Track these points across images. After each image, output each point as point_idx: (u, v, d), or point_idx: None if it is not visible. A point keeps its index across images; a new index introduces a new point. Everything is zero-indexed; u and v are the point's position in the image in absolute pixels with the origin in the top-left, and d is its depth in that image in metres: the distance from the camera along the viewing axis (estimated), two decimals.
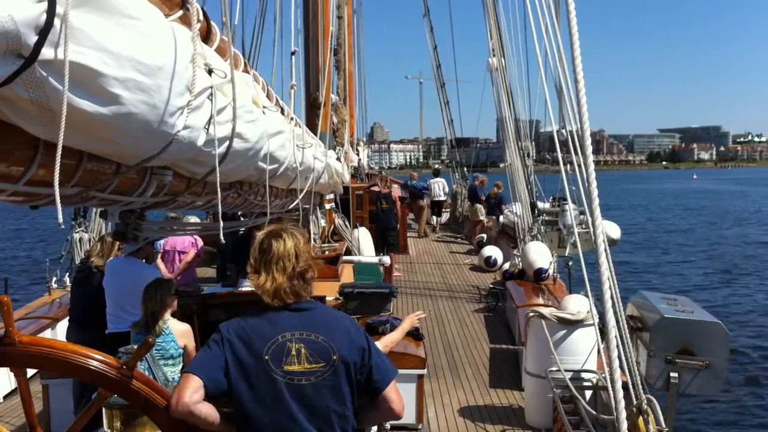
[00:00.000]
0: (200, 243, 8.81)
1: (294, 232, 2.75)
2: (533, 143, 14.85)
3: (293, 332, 2.62)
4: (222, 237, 3.09)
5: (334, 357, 2.62)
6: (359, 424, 2.79)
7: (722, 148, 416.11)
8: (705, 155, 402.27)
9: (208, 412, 2.53)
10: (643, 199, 71.61)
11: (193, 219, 8.41)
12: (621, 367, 3.87)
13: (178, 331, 4.81)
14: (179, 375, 4.80)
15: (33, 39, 1.34)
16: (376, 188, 17.68)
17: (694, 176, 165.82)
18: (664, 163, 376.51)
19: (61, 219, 1.75)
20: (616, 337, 3.71)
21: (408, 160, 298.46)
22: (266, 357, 2.57)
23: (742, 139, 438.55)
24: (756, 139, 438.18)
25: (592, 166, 3.60)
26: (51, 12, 1.36)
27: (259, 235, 2.73)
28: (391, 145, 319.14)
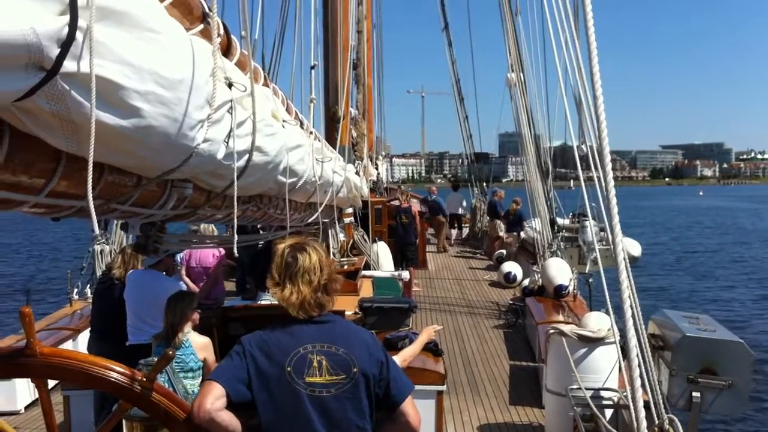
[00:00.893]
0: (222, 252, 8.84)
1: (316, 245, 2.78)
2: (550, 158, 14.75)
3: (314, 344, 2.63)
4: (236, 250, 3.10)
5: (355, 369, 2.63)
6: None
7: (725, 165, 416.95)
8: (708, 172, 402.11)
9: (230, 420, 2.53)
10: (656, 215, 70.84)
11: (210, 229, 8.44)
12: (642, 385, 3.82)
13: (197, 344, 4.82)
14: (198, 388, 4.81)
15: (55, 52, 1.35)
16: (396, 202, 17.67)
17: (701, 193, 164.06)
18: (667, 179, 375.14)
19: (97, 230, 1.77)
20: (637, 355, 3.67)
21: (410, 175, 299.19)
22: (288, 368, 2.58)
23: (745, 156, 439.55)
24: (759, 156, 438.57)
25: (612, 182, 3.57)
26: (73, 25, 1.37)
27: (281, 248, 2.74)
28: (393, 159, 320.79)
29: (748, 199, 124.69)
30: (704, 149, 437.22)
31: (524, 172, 14.26)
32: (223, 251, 8.63)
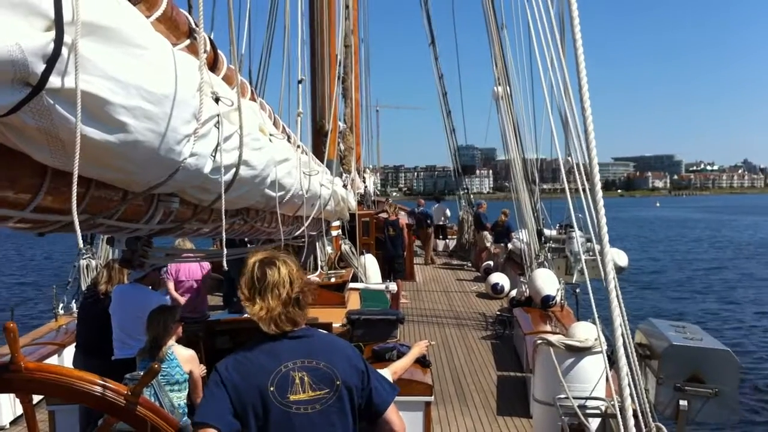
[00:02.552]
0: (207, 266, 8.79)
1: (285, 259, 2.71)
2: (537, 170, 14.81)
3: (294, 361, 2.59)
4: (225, 264, 3.09)
5: (337, 382, 2.61)
6: None
7: (675, 177, 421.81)
8: (659, 183, 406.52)
9: None
10: (628, 228, 71.20)
11: (189, 245, 8.43)
12: (630, 394, 3.84)
13: (182, 357, 4.82)
14: (185, 401, 4.80)
15: (41, 67, 1.36)
16: (384, 215, 17.67)
17: (657, 204, 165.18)
18: (619, 191, 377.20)
19: (82, 244, 1.76)
20: (626, 364, 3.69)
21: None
22: (271, 389, 2.53)
23: (694, 168, 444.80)
24: (708, 167, 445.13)
25: (600, 194, 3.59)
26: (59, 41, 1.37)
27: (250, 263, 2.68)
28: None
29: (705, 209, 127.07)
30: (655, 161, 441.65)
31: (511, 184, 14.29)
32: (208, 265, 8.60)
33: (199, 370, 5.01)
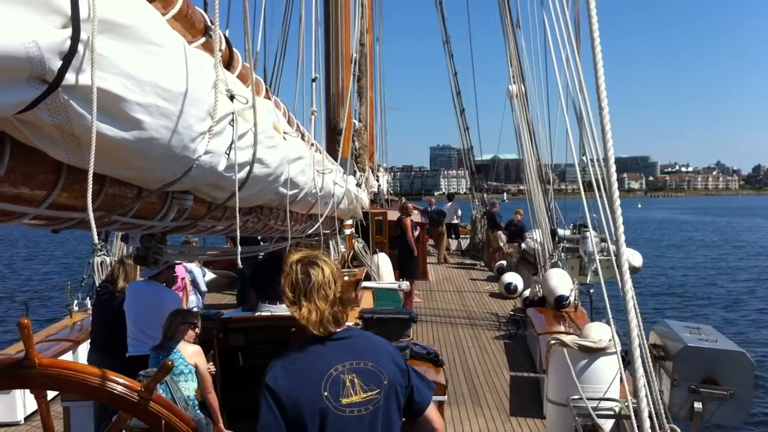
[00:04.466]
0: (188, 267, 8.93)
1: (326, 258, 2.68)
2: (551, 170, 14.75)
3: (343, 363, 2.55)
4: (240, 262, 3.08)
5: (385, 382, 2.58)
6: None
7: (651, 178, 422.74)
8: (635, 185, 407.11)
9: None
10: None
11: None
12: (645, 396, 3.81)
13: (187, 352, 4.92)
14: (194, 392, 4.86)
15: (57, 64, 1.36)
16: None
17: (639, 206, 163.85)
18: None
19: (96, 238, 1.76)
20: (641, 366, 3.66)
21: None
22: (325, 393, 2.49)
23: (670, 169, 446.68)
24: (683, 169, 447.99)
25: (617, 193, 3.57)
26: (75, 38, 1.37)
27: (290, 264, 2.62)
28: None
29: (692, 211, 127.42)
30: (630, 162, 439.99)
31: (525, 182, 14.25)
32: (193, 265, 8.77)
33: (205, 364, 5.07)
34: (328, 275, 2.59)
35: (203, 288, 9.40)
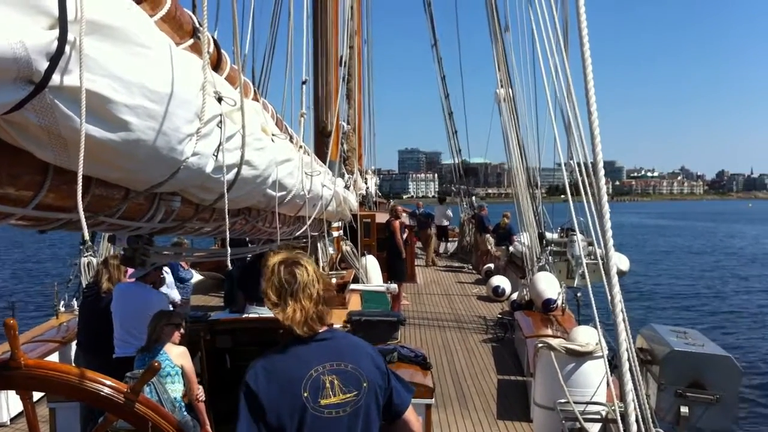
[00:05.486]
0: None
1: (306, 257, 2.71)
2: (539, 174, 14.79)
3: (323, 364, 2.56)
4: (229, 263, 3.08)
5: (364, 384, 2.59)
6: None
7: (617, 183, 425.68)
8: None
9: None
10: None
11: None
12: (632, 400, 3.83)
13: (173, 354, 4.89)
14: (180, 394, 4.84)
15: (44, 65, 1.35)
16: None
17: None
18: (562, 196, 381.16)
19: (87, 235, 1.76)
20: (628, 370, 3.68)
21: None
22: (305, 394, 2.50)
23: (635, 174, 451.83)
24: (648, 174, 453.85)
25: (605, 197, 3.58)
26: (62, 39, 1.37)
27: (272, 266, 2.62)
28: None
29: (661, 216, 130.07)
30: None
31: (513, 186, 14.28)
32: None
33: (191, 365, 5.05)
34: (312, 274, 2.62)
35: (174, 295, 9.14)
